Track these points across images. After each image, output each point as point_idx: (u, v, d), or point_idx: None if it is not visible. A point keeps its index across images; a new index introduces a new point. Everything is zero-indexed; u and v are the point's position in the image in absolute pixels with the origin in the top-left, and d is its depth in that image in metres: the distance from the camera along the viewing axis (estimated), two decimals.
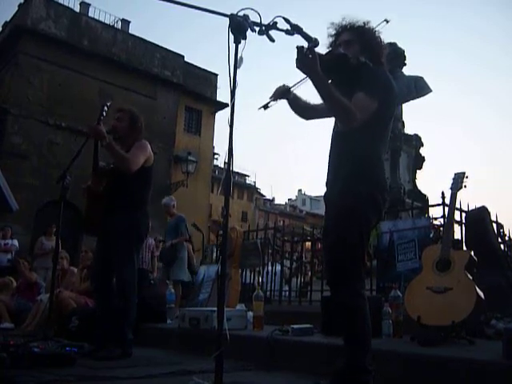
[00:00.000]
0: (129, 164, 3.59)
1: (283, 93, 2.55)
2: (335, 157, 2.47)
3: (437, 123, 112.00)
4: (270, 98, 2.53)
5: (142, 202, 3.81)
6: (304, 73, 2.22)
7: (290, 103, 2.60)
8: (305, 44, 2.13)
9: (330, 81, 2.36)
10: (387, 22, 2.62)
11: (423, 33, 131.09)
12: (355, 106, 2.21)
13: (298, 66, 2.16)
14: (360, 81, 2.29)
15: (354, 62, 2.35)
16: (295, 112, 2.64)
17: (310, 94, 2.45)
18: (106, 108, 3.63)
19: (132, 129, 3.84)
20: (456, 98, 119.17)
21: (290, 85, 2.55)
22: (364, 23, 2.48)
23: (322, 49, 2.43)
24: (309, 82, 2.24)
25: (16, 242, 8.99)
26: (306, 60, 2.12)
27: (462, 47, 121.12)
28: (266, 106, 2.54)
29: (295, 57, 2.13)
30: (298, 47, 2.12)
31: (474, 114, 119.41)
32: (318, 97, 2.26)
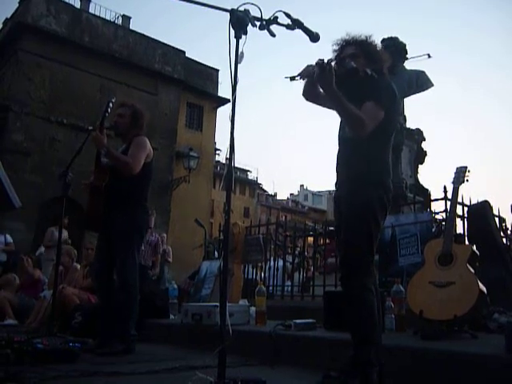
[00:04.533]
0: (131, 167, 3.62)
1: (311, 74, 2.52)
2: (344, 160, 2.59)
3: (439, 118, 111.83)
4: (299, 74, 2.51)
5: (141, 198, 3.82)
6: (321, 87, 2.34)
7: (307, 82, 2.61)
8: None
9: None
10: (429, 56, 2.74)
11: (424, 27, 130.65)
12: (365, 114, 2.32)
13: (316, 80, 2.29)
14: (368, 91, 2.41)
15: (363, 74, 2.45)
16: (306, 90, 2.64)
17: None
18: (110, 105, 3.65)
19: (134, 125, 3.84)
20: (458, 93, 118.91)
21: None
22: (366, 37, 2.59)
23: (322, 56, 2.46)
24: None
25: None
26: (325, 75, 2.22)
27: (464, 42, 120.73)
28: (292, 78, 2.52)
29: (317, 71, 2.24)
30: (318, 63, 2.22)
31: (476, 109, 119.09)
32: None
